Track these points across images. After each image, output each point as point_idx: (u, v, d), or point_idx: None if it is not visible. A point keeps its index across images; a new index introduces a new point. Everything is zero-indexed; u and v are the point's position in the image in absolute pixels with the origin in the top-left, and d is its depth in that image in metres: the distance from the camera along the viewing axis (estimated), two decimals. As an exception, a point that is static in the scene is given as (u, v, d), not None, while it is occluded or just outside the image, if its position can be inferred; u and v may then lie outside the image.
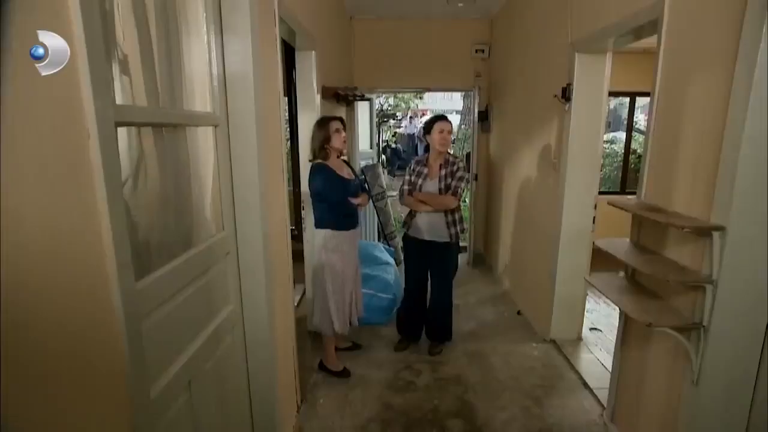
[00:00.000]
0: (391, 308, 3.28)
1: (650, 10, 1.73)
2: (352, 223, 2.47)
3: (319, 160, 2.37)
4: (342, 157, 2.52)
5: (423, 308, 2.84)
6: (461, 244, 5.24)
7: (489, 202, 4.73)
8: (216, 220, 1.47)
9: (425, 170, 2.63)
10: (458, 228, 2.61)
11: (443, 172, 2.56)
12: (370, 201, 4.34)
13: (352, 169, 2.57)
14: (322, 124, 2.39)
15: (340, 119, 2.44)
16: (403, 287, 2.92)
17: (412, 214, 2.69)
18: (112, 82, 0.92)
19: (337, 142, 2.37)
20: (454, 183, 2.53)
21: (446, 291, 2.75)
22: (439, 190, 2.55)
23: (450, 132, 2.57)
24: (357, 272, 2.62)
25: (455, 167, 2.56)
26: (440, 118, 2.62)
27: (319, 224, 2.43)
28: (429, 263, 2.71)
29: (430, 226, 2.60)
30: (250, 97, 1.48)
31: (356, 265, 2.59)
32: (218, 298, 1.45)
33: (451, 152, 2.67)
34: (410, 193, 2.64)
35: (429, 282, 2.79)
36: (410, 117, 14.35)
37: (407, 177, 2.68)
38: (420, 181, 2.62)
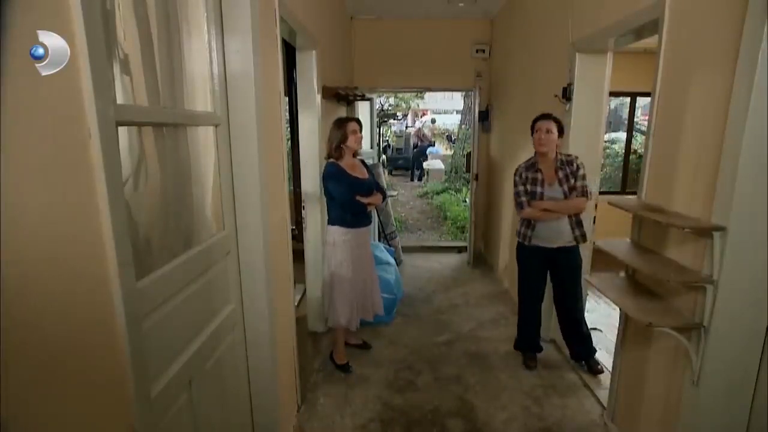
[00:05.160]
0: (392, 308, 3.29)
1: (651, 9, 1.73)
2: (362, 220, 2.53)
3: (332, 159, 2.46)
4: (358, 157, 2.58)
5: (540, 318, 2.67)
6: (462, 244, 5.28)
7: (489, 202, 4.73)
8: (216, 219, 1.47)
9: (539, 176, 2.37)
10: (583, 229, 2.38)
11: (561, 174, 2.32)
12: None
13: (368, 168, 2.61)
14: (341, 124, 2.45)
15: (357, 120, 2.51)
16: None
17: (529, 224, 2.44)
18: (113, 82, 0.92)
19: (352, 142, 2.44)
20: (579, 183, 2.31)
21: (581, 297, 2.54)
22: (564, 194, 2.32)
23: (550, 131, 2.30)
24: (370, 268, 2.66)
25: (574, 166, 2.32)
26: (541, 117, 2.37)
27: (330, 221, 2.53)
28: (556, 271, 2.51)
29: (555, 231, 2.38)
30: (251, 96, 1.48)
31: (368, 262, 2.63)
32: (218, 297, 1.45)
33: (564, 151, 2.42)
34: (529, 203, 2.38)
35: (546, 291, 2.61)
36: (406, 116, 14.37)
37: (520, 187, 2.40)
38: (538, 188, 2.36)
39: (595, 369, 2.54)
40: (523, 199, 2.40)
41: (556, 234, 2.38)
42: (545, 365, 2.65)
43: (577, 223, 2.37)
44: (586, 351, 2.59)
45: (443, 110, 16.68)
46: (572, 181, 2.31)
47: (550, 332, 2.89)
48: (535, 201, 2.37)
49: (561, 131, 2.33)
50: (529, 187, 2.39)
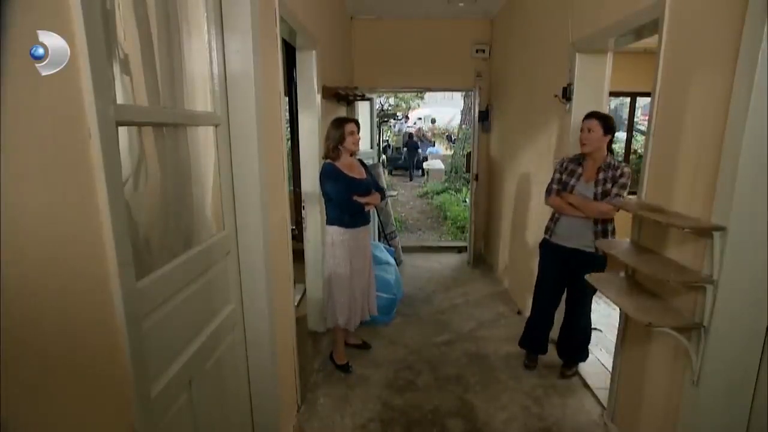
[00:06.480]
0: (392, 308, 3.29)
1: (651, 9, 1.73)
2: (360, 220, 2.52)
3: (329, 160, 2.45)
4: (356, 157, 2.57)
5: (552, 321, 2.62)
6: (462, 244, 5.28)
7: (489, 202, 4.73)
8: (216, 219, 1.47)
9: (579, 170, 2.32)
10: (608, 239, 2.26)
11: (601, 176, 2.23)
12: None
13: (366, 168, 2.60)
14: (339, 124, 2.44)
15: (356, 121, 2.50)
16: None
17: (554, 218, 2.42)
18: (113, 82, 0.92)
19: (350, 143, 2.44)
20: (614, 190, 2.19)
21: (587, 306, 2.48)
22: (595, 195, 2.23)
23: (591, 130, 2.21)
24: (368, 269, 2.66)
25: (618, 172, 2.22)
26: (586, 115, 2.27)
27: (328, 221, 2.53)
28: (570, 274, 2.40)
29: (574, 232, 2.32)
30: (251, 96, 1.48)
31: (366, 263, 2.63)
32: (219, 297, 1.45)
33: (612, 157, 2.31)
34: (559, 193, 2.35)
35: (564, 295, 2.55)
36: (407, 117, 14.56)
37: (557, 175, 2.38)
38: (572, 181, 2.32)
39: (563, 373, 2.56)
40: (554, 187, 2.38)
41: (574, 233, 2.32)
42: (546, 365, 2.65)
43: (602, 231, 2.26)
44: (567, 354, 2.60)
45: (443, 110, 16.73)
46: (609, 185, 2.22)
47: (551, 332, 2.88)
48: (564, 193, 2.33)
49: (608, 130, 2.23)
50: (564, 176, 2.36)
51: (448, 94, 14.55)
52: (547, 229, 2.46)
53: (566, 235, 2.36)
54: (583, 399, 2.35)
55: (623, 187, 2.21)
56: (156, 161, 1.16)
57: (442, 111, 16.86)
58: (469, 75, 4.51)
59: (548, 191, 2.41)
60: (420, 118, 16.53)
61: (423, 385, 2.47)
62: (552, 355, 2.68)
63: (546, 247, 2.49)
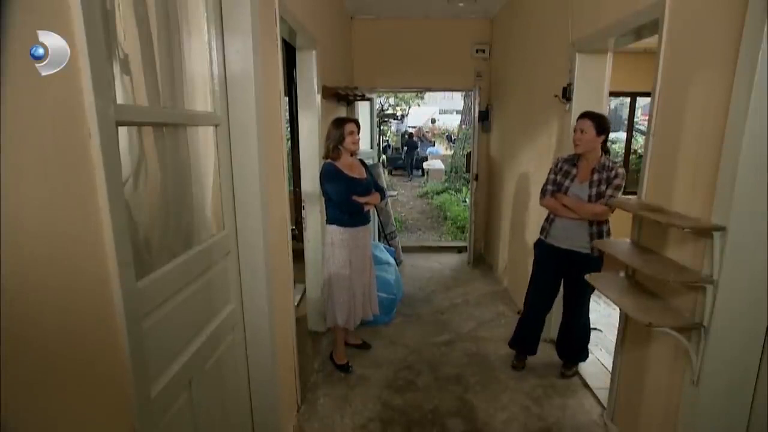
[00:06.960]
0: (392, 308, 3.29)
1: (651, 9, 1.73)
2: (359, 220, 2.53)
3: (329, 160, 2.46)
4: (356, 157, 2.58)
5: (543, 323, 2.60)
6: (462, 244, 5.28)
7: (489, 202, 4.73)
8: (216, 219, 1.47)
9: (573, 171, 2.31)
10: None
11: (596, 177, 2.21)
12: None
13: (366, 168, 2.61)
14: (339, 124, 2.45)
15: (356, 121, 2.51)
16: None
17: (549, 219, 2.41)
18: (113, 82, 0.92)
19: (349, 143, 2.45)
20: (608, 192, 2.16)
21: (585, 306, 2.48)
22: (589, 197, 2.22)
23: (584, 131, 2.19)
24: (368, 268, 2.67)
25: (613, 173, 2.18)
26: (580, 115, 2.25)
27: (328, 221, 2.54)
28: (566, 276, 2.42)
29: (569, 233, 2.30)
30: (251, 96, 1.48)
31: (366, 262, 2.64)
32: (219, 297, 1.45)
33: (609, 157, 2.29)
34: (553, 194, 2.35)
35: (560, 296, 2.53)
36: (402, 116, 14.67)
37: (551, 176, 2.38)
38: (566, 182, 2.31)
39: (563, 373, 2.56)
40: (549, 188, 2.37)
41: (569, 234, 2.31)
42: (546, 365, 2.65)
43: (597, 232, 2.24)
44: (566, 354, 2.59)
45: (443, 110, 16.72)
46: (603, 187, 2.19)
47: (550, 332, 2.89)
48: (558, 194, 2.33)
49: (602, 130, 2.20)
50: (559, 177, 2.35)
51: (448, 94, 14.59)
52: (543, 230, 2.46)
53: (561, 236, 2.35)
54: (583, 399, 2.35)
55: (617, 188, 2.18)
56: (156, 161, 1.16)
57: (424, 110, 16.80)
58: (469, 75, 4.51)
59: (543, 192, 2.41)
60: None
61: (423, 385, 2.47)
62: (552, 355, 2.68)
63: (541, 247, 2.48)
